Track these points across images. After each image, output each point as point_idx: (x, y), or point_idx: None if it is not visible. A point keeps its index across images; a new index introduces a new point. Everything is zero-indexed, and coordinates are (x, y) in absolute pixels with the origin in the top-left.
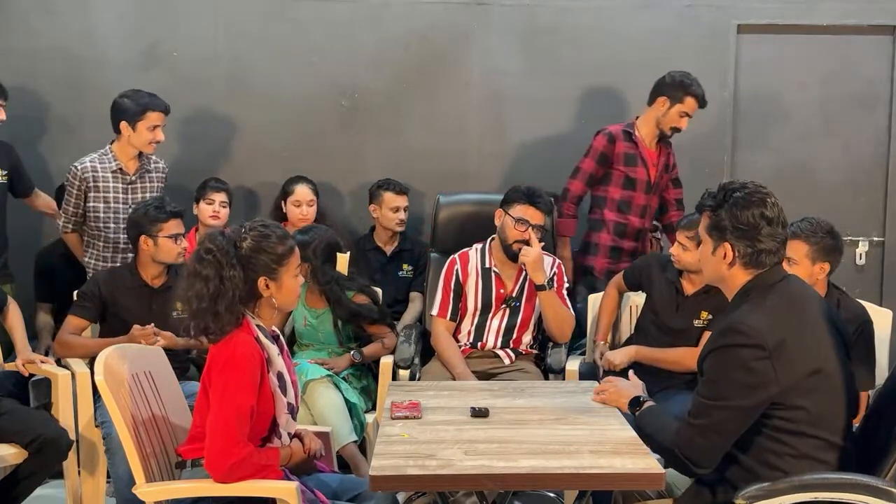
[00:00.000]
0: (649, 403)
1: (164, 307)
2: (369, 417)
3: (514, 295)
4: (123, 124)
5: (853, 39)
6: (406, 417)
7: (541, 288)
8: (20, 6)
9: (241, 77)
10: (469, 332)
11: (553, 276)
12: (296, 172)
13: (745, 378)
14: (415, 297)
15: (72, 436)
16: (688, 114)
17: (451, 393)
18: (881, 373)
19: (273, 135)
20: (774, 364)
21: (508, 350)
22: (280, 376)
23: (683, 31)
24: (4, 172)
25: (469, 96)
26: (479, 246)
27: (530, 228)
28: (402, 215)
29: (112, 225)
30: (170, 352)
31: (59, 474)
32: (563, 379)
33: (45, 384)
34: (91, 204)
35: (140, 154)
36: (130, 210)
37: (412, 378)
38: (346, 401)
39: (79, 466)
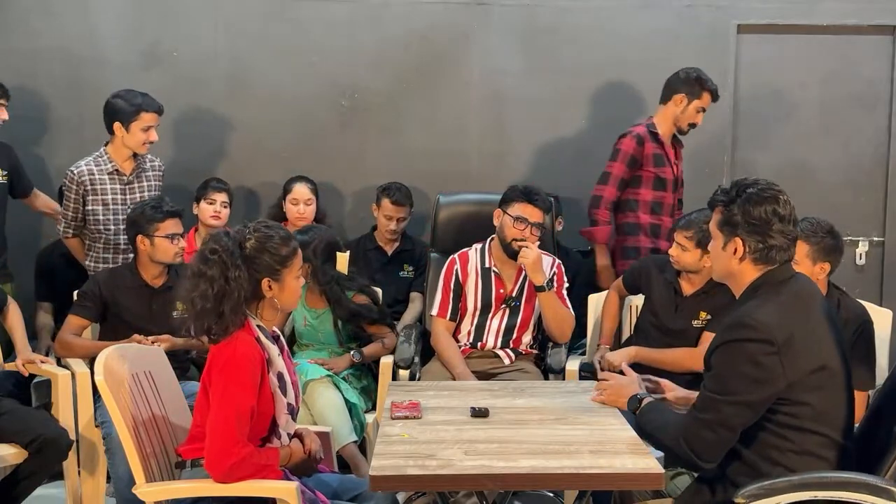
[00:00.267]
0: (648, 400)
1: (165, 307)
2: (369, 417)
3: (513, 295)
4: (117, 125)
5: (853, 39)
6: (406, 417)
7: (540, 289)
8: (20, 6)
9: (241, 77)
10: (469, 333)
11: (553, 276)
12: (296, 172)
13: (752, 372)
14: (415, 297)
15: (72, 436)
16: (704, 109)
17: (451, 393)
18: (881, 373)
19: (273, 135)
20: (782, 359)
21: (508, 350)
22: (280, 377)
23: (683, 31)
24: (4, 173)
25: (469, 96)
26: (478, 246)
27: (529, 227)
28: (393, 225)
29: (112, 227)
30: (170, 352)
31: (59, 474)
32: (563, 379)
33: (47, 386)
34: (90, 207)
35: (135, 154)
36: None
37: (412, 378)
38: (346, 401)
39: (79, 466)
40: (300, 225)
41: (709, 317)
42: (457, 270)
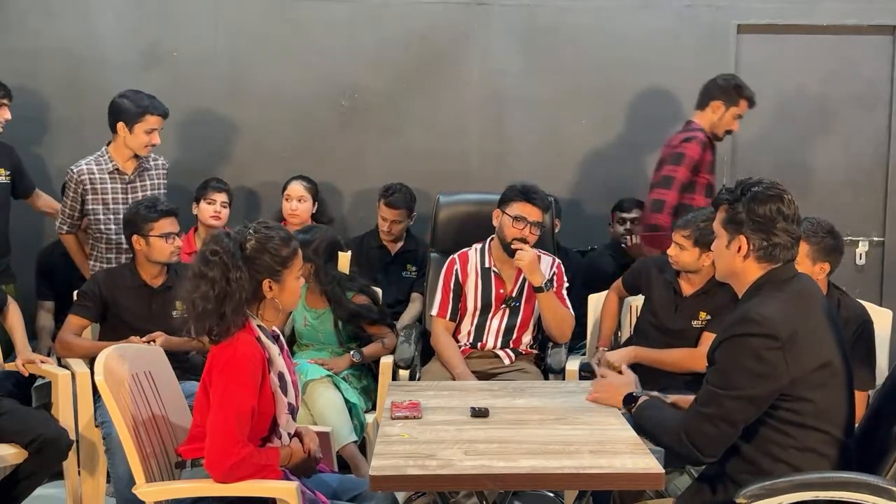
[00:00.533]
0: (644, 398)
1: (164, 307)
2: (369, 417)
3: (513, 295)
4: (120, 125)
5: (853, 39)
6: (406, 417)
7: (539, 290)
8: (20, 6)
9: (241, 77)
10: (469, 333)
11: (553, 276)
12: (296, 172)
13: (756, 367)
14: (415, 297)
15: (72, 436)
16: (741, 116)
17: (451, 393)
18: (881, 373)
19: (273, 135)
20: (786, 355)
21: (508, 350)
22: (281, 376)
23: (683, 31)
24: (7, 173)
25: (469, 96)
26: (478, 246)
27: (529, 225)
28: (386, 227)
29: (113, 226)
30: (170, 352)
31: (59, 474)
32: (563, 379)
33: (47, 388)
34: (90, 206)
35: (137, 154)
36: None
37: (412, 378)
38: (346, 401)
39: (79, 466)
40: (294, 222)
41: (709, 317)
42: (456, 270)
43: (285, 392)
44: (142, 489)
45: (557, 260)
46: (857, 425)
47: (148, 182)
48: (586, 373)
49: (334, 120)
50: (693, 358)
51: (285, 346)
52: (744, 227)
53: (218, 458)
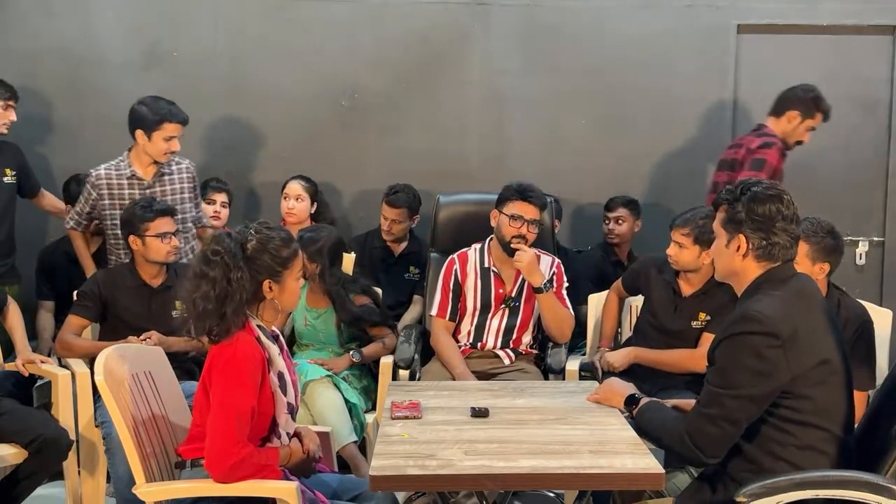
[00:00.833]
0: (645, 400)
1: (164, 306)
2: (369, 417)
3: (513, 295)
4: (139, 133)
5: (853, 39)
6: (406, 417)
7: (538, 290)
8: (20, 6)
9: (241, 77)
10: (469, 333)
11: (552, 275)
12: (296, 172)
13: (756, 365)
14: (417, 300)
15: (72, 436)
16: (814, 128)
17: (451, 393)
18: (881, 373)
19: (273, 135)
20: (787, 353)
21: (508, 350)
22: (280, 376)
23: (683, 31)
24: (14, 173)
25: (469, 96)
26: (477, 246)
27: (526, 224)
28: (386, 226)
29: None
30: (170, 352)
31: (59, 474)
32: (563, 379)
33: (48, 388)
34: (107, 211)
35: (156, 160)
36: None
37: (412, 378)
38: (346, 401)
39: (79, 466)
40: (291, 221)
41: (708, 318)
42: (456, 270)
43: (285, 392)
44: (142, 489)
45: (557, 260)
46: (857, 425)
47: (168, 187)
48: (586, 373)
49: (334, 120)
50: (693, 358)
51: (285, 346)
52: (743, 226)
53: (218, 458)
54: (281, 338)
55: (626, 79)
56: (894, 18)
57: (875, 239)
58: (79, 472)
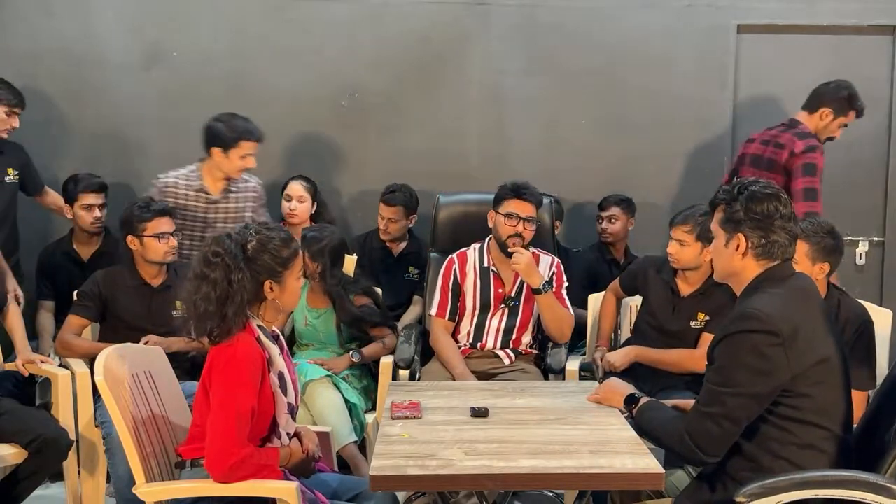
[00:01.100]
0: (645, 399)
1: (164, 306)
2: (369, 417)
3: (512, 295)
4: (216, 150)
5: (853, 39)
6: (406, 417)
7: (537, 291)
8: (20, 7)
9: (241, 77)
10: (469, 333)
11: (552, 275)
12: (296, 172)
13: (757, 364)
14: (417, 300)
15: (72, 436)
16: (847, 125)
17: (451, 393)
18: (881, 373)
19: (273, 135)
20: (787, 351)
21: (508, 350)
22: (281, 376)
23: (683, 31)
24: (16, 172)
25: (469, 96)
26: (477, 246)
27: (521, 221)
28: (383, 225)
29: (186, 242)
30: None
31: (59, 474)
32: (563, 379)
33: (50, 385)
34: None
35: (229, 176)
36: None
37: (412, 378)
38: (346, 401)
39: (79, 466)
40: (293, 222)
41: (707, 318)
42: (455, 270)
43: (285, 392)
44: (142, 489)
45: (556, 259)
46: (857, 425)
47: (232, 204)
48: (586, 373)
49: (334, 120)
50: (693, 359)
51: (285, 347)
52: (742, 225)
53: (218, 458)
54: (281, 338)
55: (626, 79)
56: (894, 18)
57: (875, 239)
58: (79, 472)
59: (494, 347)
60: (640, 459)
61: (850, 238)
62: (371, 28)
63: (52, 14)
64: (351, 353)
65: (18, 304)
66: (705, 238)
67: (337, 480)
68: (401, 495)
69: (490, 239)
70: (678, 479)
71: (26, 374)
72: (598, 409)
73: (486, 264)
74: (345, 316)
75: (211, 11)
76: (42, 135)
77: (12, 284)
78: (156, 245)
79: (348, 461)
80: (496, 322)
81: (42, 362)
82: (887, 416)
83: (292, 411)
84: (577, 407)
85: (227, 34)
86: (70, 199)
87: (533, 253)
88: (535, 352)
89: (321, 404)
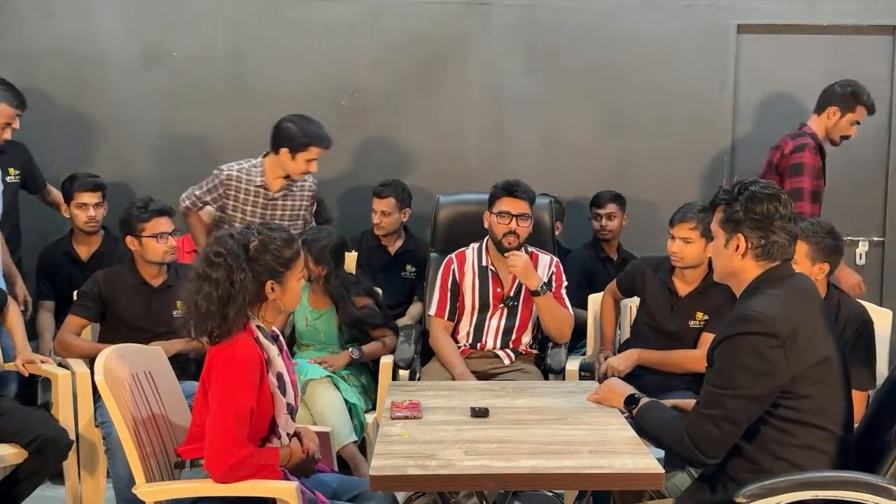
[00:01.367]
0: (645, 400)
1: (164, 306)
2: (369, 417)
3: (511, 295)
4: (284, 150)
5: (853, 39)
6: (406, 417)
7: (535, 293)
8: (20, 7)
9: (241, 77)
10: (468, 333)
11: (552, 275)
12: None
13: (757, 365)
14: (417, 302)
15: (72, 436)
16: (859, 122)
17: (451, 393)
18: (881, 373)
19: None
20: (787, 353)
21: (508, 350)
22: (280, 377)
23: (683, 31)
24: (17, 172)
25: (469, 96)
26: (475, 245)
27: (514, 218)
28: (376, 219)
29: None
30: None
31: (60, 474)
32: (563, 379)
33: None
34: (229, 212)
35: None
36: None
37: (412, 378)
38: (346, 401)
39: (79, 466)
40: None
41: (706, 318)
42: (453, 270)
43: (284, 392)
44: (142, 489)
45: (556, 259)
46: (857, 425)
47: (289, 202)
48: (586, 373)
49: (334, 120)
50: (695, 359)
51: (285, 347)
52: (742, 225)
53: (217, 459)
54: (281, 338)
55: (626, 79)
56: (894, 18)
57: (875, 239)
58: (79, 472)
59: (494, 347)
60: (640, 459)
61: (850, 238)
62: (371, 28)
63: (52, 14)
64: (351, 349)
65: (26, 309)
66: (709, 235)
67: (337, 480)
68: (401, 495)
69: (488, 238)
70: (680, 480)
71: (26, 374)
72: (598, 409)
73: (484, 264)
74: (347, 318)
75: (211, 11)
76: (42, 135)
77: (23, 290)
78: (154, 245)
79: (348, 461)
80: (495, 322)
81: (42, 362)
82: (887, 416)
83: (292, 411)
84: (577, 407)
85: (227, 34)
86: (67, 198)
87: (531, 253)
88: (534, 352)
89: (321, 404)
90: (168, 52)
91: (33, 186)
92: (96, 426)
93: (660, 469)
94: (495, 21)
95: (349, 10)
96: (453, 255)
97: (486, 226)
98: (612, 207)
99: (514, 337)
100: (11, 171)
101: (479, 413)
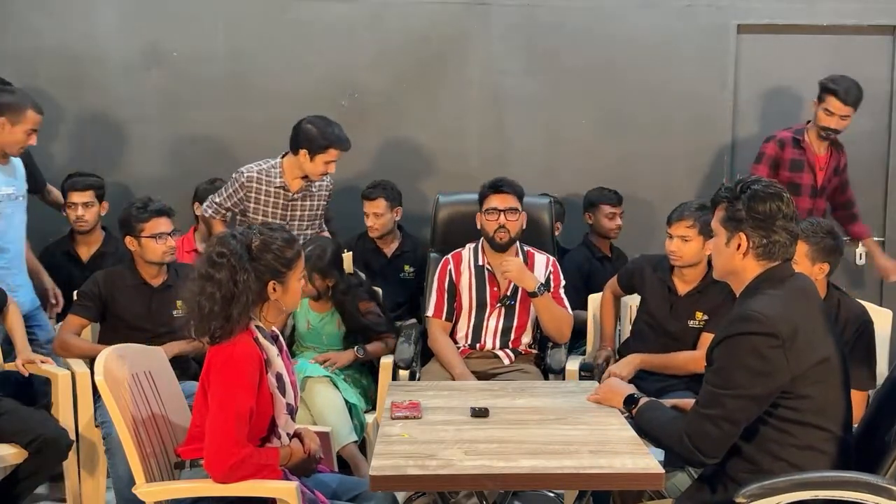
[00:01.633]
0: (645, 400)
1: (164, 306)
2: (369, 417)
3: (508, 294)
4: (303, 152)
5: (853, 39)
6: (406, 417)
7: (533, 294)
8: (20, 6)
9: (240, 77)
10: (467, 334)
11: (549, 274)
12: None
13: (757, 365)
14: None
15: (72, 436)
16: (830, 111)
17: (451, 393)
18: (881, 373)
19: (273, 135)
20: (787, 353)
21: (508, 350)
22: (279, 377)
23: (683, 31)
24: None
25: (469, 96)
26: (472, 245)
27: (502, 213)
28: (369, 221)
29: None
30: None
31: (60, 474)
32: (563, 379)
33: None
34: (250, 214)
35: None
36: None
37: (412, 378)
38: (346, 401)
39: (79, 466)
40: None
41: (706, 317)
42: (450, 270)
43: (283, 393)
44: (142, 489)
45: (553, 259)
46: (857, 425)
47: (308, 202)
48: (586, 373)
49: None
50: (697, 361)
51: (284, 347)
52: (743, 224)
53: (217, 459)
54: (280, 338)
55: (626, 79)
56: (894, 18)
57: (875, 239)
58: (79, 472)
59: (493, 348)
60: (640, 459)
61: (850, 238)
62: (371, 28)
63: (52, 14)
64: (356, 348)
65: (57, 302)
66: (707, 232)
67: (336, 481)
68: (401, 495)
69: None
70: (680, 480)
71: (26, 374)
72: (598, 409)
73: (480, 263)
74: (353, 325)
75: (211, 11)
76: (42, 135)
77: (51, 283)
78: (154, 245)
79: (348, 461)
80: (493, 322)
81: (42, 362)
82: (887, 416)
83: (291, 412)
84: (577, 407)
85: (227, 34)
86: (63, 198)
87: (528, 252)
88: (534, 352)
89: (321, 404)
90: (168, 52)
91: (33, 186)
92: (96, 426)
93: (660, 469)
94: (495, 21)
95: (349, 10)
96: (450, 256)
97: (478, 227)
98: (619, 207)
99: (513, 337)
100: None
101: (479, 413)
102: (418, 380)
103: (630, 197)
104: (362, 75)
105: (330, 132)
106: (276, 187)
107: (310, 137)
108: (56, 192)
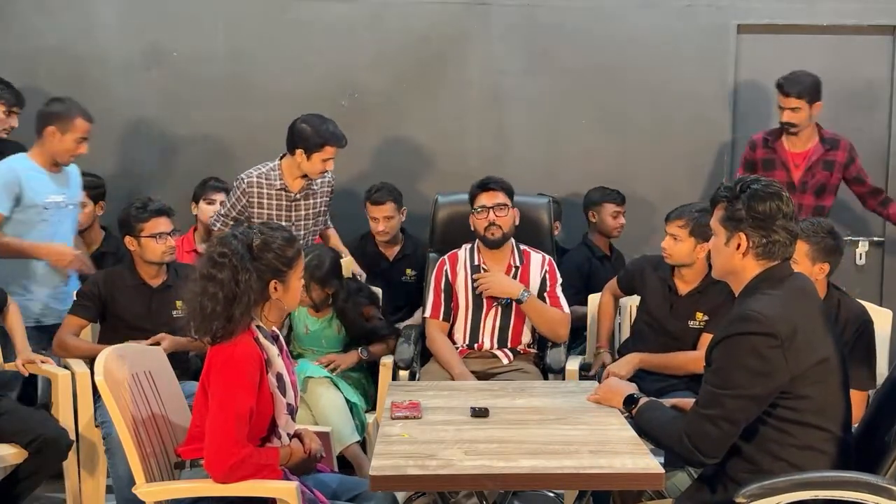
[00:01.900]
0: (644, 400)
1: (164, 306)
2: (369, 417)
3: None
4: (300, 151)
5: (853, 39)
6: (406, 417)
7: (518, 301)
8: (20, 6)
9: (241, 77)
10: (465, 334)
11: (545, 273)
12: None
13: (756, 365)
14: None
15: (72, 436)
16: (781, 105)
17: (451, 393)
18: (881, 373)
19: (273, 135)
20: (786, 353)
21: (506, 350)
22: (279, 377)
23: (683, 31)
24: None
25: (469, 96)
26: (468, 245)
27: (490, 210)
28: (380, 226)
29: None
30: (170, 352)
31: (60, 474)
32: (563, 378)
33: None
34: (256, 219)
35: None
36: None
37: (412, 378)
38: (347, 400)
39: (79, 466)
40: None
41: (706, 318)
42: (446, 271)
43: (284, 393)
44: (142, 489)
45: (549, 258)
46: (857, 425)
47: (311, 201)
48: (586, 372)
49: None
50: (696, 361)
51: (284, 347)
52: (743, 224)
53: (217, 459)
54: (281, 339)
55: (626, 78)
56: (894, 18)
57: (875, 239)
58: (79, 472)
59: (491, 348)
60: (640, 459)
61: (850, 238)
62: (371, 28)
63: (52, 14)
64: (360, 350)
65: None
66: (699, 234)
67: (336, 481)
68: (401, 495)
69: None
70: (679, 480)
71: (26, 374)
72: (598, 409)
73: (476, 262)
74: (356, 332)
75: (211, 11)
76: None
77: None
78: (153, 245)
79: (352, 461)
80: (491, 322)
81: (42, 362)
82: (887, 416)
83: (292, 412)
84: (577, 407)
85: (227, 34)
86: None
87: (524, 251)
88: (533, 351)
89: (323, 404)
90: (168, 52)
91: None
92: (96, 426)
93: (660, 469)
94: (495, 21)
95: (349, 10)
96: (446, 257)
97: (472, 227)
98: (623, 205)
99: (510, 336)
100: None
101: (479, 413)
102: (418, 380)
103: (630, 197)
104: (362, 75)
105: (325, 130)
106: (276, 189)
107: (305, 137)
108: None
